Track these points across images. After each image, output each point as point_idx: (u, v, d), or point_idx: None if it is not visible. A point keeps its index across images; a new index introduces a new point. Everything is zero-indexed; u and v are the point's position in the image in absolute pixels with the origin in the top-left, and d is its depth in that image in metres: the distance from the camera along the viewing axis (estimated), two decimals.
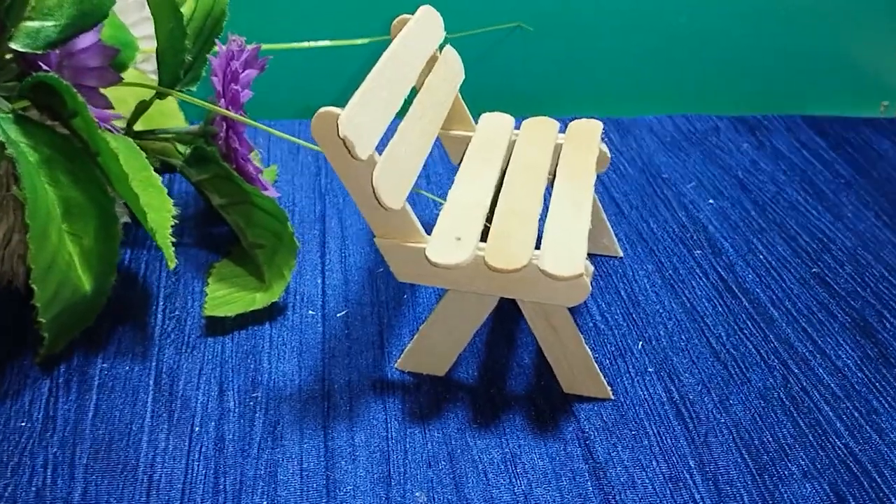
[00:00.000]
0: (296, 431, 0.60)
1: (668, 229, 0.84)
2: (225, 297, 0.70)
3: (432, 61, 0.70)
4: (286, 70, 0.98)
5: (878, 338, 0.71)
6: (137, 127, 0.79)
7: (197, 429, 0.60)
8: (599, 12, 1.02)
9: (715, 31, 1.05)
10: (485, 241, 0.60)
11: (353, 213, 0.84)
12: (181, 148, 0.77)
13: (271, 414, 0.62)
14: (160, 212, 0.65)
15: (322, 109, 0.54)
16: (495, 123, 0.74)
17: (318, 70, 1.01)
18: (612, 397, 0.64)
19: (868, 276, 0.78)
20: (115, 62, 0.74)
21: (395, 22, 0.69)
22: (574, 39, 1.04)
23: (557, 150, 0.72)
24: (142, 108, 0.74)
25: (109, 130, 0.69)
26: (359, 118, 0.55)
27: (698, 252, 0.81)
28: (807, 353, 0.69)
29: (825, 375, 0.67)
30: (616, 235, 0.81)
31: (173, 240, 0.64)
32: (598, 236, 0.78)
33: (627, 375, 0.66)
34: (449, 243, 0.59)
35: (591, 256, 0.79)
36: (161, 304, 0.71)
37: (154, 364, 0.66)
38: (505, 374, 0.66)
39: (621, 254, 0.80)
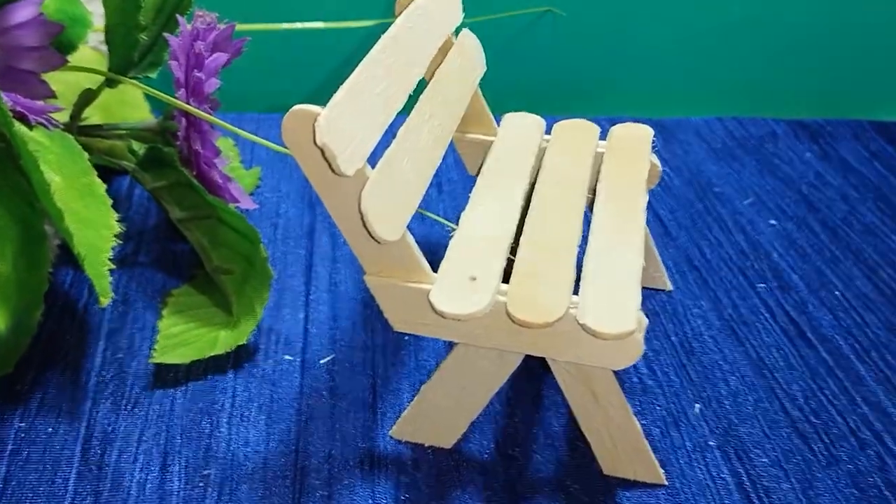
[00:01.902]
0: None
1: (723, 256, 0.70)
2: (181, 336, 0.57)
3: (445, 49, 0.57)
4: (273, 56, 0.85)
5: None
6: (92, 120, 0.65)
7: None
8: None
9: (770, 21, 0.92)
10: (507, 281, 0.46)
11: None
12: (137, 146, 0.63)
13: (225, 500, 0.48)
14: (99, 229, 0.52)
15: (296, 108, 0.40)
16: (521, 126, 0.61)
17: (312, 57, 0.88)
18: (666, 483, 0.50)
19: None
20: (59, 41, 0.60)
21: None
22: (612, 28, 0.91)
23: (598, 160, 0.59)
24: (87, 98, 0.60)
25: (43, 125, 0.55)
26: (343, 121, 0.41)
27: (762, 286, 0.67)
28: None
29: None
30: (663, 263, 0.67)
31: (112, 266, 0.50)
32: (645, 266, 0.64)
33: (683, 451, 0.52)
34: (461, 285, 0.45)
35: None
36: (102, 343, 0.58)
37: (84, 425, 0.52)
38: (528, 448, 0.52)
39: (670, 287, 0.66)
